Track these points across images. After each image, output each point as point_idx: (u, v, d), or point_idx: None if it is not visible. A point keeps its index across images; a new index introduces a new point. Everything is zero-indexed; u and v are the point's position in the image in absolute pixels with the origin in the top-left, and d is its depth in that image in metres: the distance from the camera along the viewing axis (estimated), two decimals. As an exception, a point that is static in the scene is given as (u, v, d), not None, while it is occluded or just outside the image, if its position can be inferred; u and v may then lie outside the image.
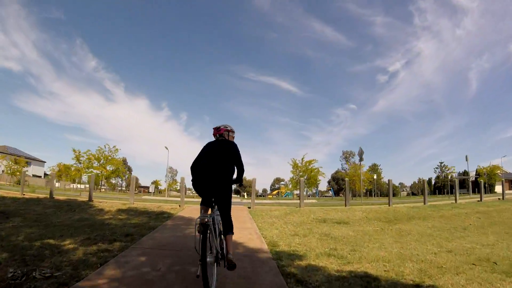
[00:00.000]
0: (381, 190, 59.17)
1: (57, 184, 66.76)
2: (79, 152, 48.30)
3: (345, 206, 14.59)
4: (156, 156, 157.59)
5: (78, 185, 71.83)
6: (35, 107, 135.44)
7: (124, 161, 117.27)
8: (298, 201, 16.12)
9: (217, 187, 3.94)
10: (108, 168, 50.22)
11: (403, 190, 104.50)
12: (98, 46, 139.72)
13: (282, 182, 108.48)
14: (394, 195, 59.72)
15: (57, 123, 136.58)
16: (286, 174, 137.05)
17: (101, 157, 48.98)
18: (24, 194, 15.67)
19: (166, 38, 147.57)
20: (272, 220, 10.79)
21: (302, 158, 39.18)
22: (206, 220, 3.43)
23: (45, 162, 70.24)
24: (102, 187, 54.06)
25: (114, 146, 49.14)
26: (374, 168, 42.49)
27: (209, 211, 4.16)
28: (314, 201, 30.30)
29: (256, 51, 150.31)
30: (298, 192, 52.11)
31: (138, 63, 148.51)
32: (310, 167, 38.77)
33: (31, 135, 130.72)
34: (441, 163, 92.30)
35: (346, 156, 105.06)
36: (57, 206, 11.47)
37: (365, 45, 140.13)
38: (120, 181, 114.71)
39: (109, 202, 13.64)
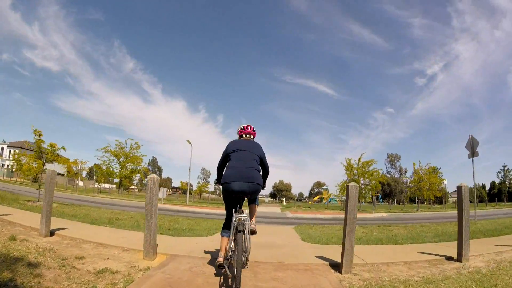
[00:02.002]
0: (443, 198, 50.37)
1: (80, 183, 63.08)
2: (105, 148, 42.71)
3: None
4: (194, 157, 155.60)
5: (106, 185, 68.30)
6: (74, 107, 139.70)
7: (154, 161, 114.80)
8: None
9: (249, 189, 3.83)
10: (128, 166, 44.29)
11: (450, 197, 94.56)
12: (136, 48, 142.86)
13: (324, 187, 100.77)
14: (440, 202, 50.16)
15: (96, 123, 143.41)
16: (325, 178, 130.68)
17: (121, 154, 43.15)
18: None
19: (204, 40, 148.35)
20: None
21: (359, 159, 31.64)
22: (242, 219, 3.53)
23: (69, 159, 65.17)
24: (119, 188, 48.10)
25: (136, 142, 43.22)
26: (430, 172, 34.15)
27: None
28: (384, 214, 22.86)
29: (294, 53, 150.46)
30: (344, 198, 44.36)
31: (175, 65, 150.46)
32: (370, 169, 31.15)
33: (70, 134, 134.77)
34: (505, 166, 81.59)
35: (391, 159, 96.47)
36: None
37: (403, 47, 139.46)
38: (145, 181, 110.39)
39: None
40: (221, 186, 4.08)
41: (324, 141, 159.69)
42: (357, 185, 4.55)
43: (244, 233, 3.49)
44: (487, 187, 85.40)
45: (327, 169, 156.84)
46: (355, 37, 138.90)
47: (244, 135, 4.41)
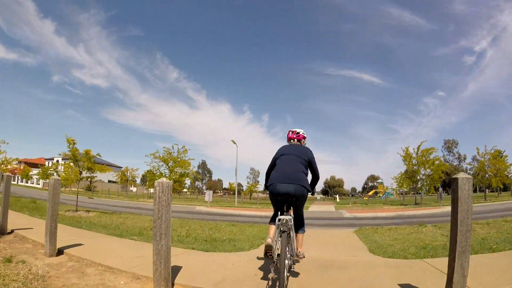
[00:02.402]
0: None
1: (134, 189, 64.74)
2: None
3: None
4: (241, 158, 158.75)
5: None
6: (125, 119, 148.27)
7: (204, 164, 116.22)
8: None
9: (295, 191, 3.69)
10: (176, 170, 44.22)
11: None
12: (178, 58, 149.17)
13: (378, 180, 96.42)
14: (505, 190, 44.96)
15: (146, 132, 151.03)
16: (378, 171, 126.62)
17: (170, 159, 43.11)
18: None
19: (242, 42, 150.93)
20: None
21: (418, 147, 28.93)
22: (287, 220, 3.40)
23: (121, 167, 67.56)
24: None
25: (183, 147, 42.78)
26: (496, 157, 30.54)
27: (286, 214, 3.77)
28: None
29: (334, 45, 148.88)
30: (403, 191, 41.28)
31: (216, 69, 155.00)
32: (431, 158, 28.34)
33: (123, 144, 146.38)
34: None
35: (449, 145, 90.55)
36: None
37: (446, 26, 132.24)
38: (200, 184, 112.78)
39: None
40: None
41: (374, 133, 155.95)
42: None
43: (289, 234, 3.41)
44: None
45: (379, 161, 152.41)
46: (396, 21, 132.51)
47: (292, 140, 4.39)
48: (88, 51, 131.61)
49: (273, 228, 3.73)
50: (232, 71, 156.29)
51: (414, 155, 29.35)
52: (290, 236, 3.45)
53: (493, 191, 39.06)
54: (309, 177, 4.15)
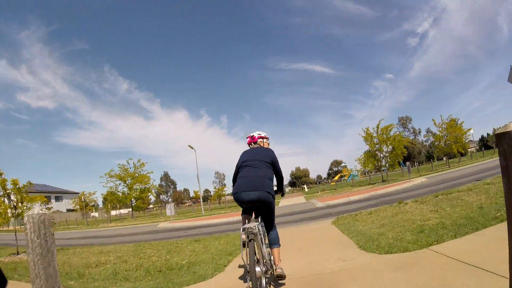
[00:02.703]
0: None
1: (96, 214, 61.09)
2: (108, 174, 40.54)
3: None
4: (205, 163, 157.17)
5: (124, 211, 66.90)
6: (78, 139, 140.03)
7: (166, 176, 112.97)
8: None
9: (259, 198, 3.62)
10: (136, 188, 41.95)
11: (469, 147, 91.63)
12: (126, 68, 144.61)
13: (342, 164, 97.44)
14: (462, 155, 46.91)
15: (103, 150, 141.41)
16: (340, 156, 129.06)
17: (127, 176, 40.85)
18: None
19: (191, 45, 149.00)
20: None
21: (378, 125, 28.79)
22: (252, 228, 3.24)
23: (78, 193, 63.15)
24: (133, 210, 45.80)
25: (138, 160, 40.98)
26: (452, 125, 31.27)
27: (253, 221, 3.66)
28: (423, 179, 19.94)
29: (283, 40, 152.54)
30: (366, 171, 41.34)
31: (168, 76, 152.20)
32: (391, 134, 28.29)
33: (81, 167, 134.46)
34: None
35: (403, 122, 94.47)
36: None
37: (389, 11, 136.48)
38: (165, 198, 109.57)
39: None
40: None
41: (331, 120, 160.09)
42: None
43: (256, 241, 3.23)
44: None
45: (340, 146, 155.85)
46: (341, 12, 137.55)
47: (253, 143, 4.35)
48: (31, 72, 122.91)
49: (245, 217, 3.82)
50: (184, 76, 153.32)
51: (374, 134, 29.16)
52: (257, 242, 3.29)
53: (451, 158, 39.79)
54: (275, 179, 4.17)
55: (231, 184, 4.21)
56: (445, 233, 4.65)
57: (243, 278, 4.32)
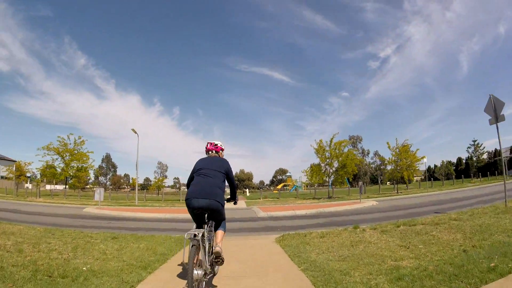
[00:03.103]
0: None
1: (29, 186, 56.88)
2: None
3: None
4: (150, 152, 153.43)
5: (56, 187, 63.16)
6: (26, 108, 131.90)
7: (108, 158, 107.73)
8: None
9: (208, 206, 3.74)
10: (73, 165, 38.78)
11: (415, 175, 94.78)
12: (87, 43, 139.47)
13: (287, 173, 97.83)
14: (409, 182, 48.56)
15: (50, 123, 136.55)
16: (285, 165, 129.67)
17: (65, 151, 37.58)
18: None
19: (156, 32, 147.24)
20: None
21: (331, 139, 28.19)
22: (195, 234, 3.28)
23: (15, 161, 56.98)
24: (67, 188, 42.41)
25: (79, 137, 37.89)
26: (407, 150, 31.31)
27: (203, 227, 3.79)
28: (374, 202, 19.21)
29: (247, 42, 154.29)
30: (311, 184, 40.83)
31: (128, 58, 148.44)
32: (344, 151, 27.76)
33: (24, 136, 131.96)
34: (475, 141, 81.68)
35: (354, 141, 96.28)
36: None
37: (355, 32, 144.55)
38: (104, 180, 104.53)
39: None
40: None
41: (282, 128, 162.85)
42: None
43: (197, 247, 3.31)
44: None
45: (287, 155, 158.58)
46: (308, 23, 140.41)
47: (210, 152, 4.45)
48: None
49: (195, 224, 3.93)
50: (143, 61, 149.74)
51: (327, 148, 28.54)
52: (198, 248, 3.33)
53: (398, 183, 40.35)
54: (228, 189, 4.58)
55: (185, 186, 4.40)
56: (434, 285, 3.47)
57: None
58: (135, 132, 28.47)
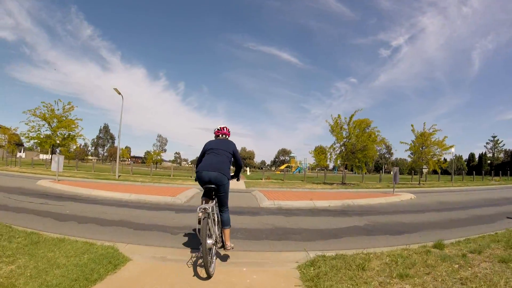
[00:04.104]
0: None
1: (23, 155, 53.93)
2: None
3: None
4: (154, 126, 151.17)
5: (45, 156, 59.56)
6: (31, 77, 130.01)
7: (106, 128, 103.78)
8: None
9: (216, 180, 4.19)
10: (60, 133, 34.64)
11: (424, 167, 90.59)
12: (93, 13, 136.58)
13: (291, 154, 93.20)
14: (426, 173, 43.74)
15: (53, 93, 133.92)
16: (288, 147, 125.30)
17: (52, 117, 33.45)
18: None
19: (164, 6, 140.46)
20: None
21: (351, 116, 23.78)
22: (207, 208, 3.79)
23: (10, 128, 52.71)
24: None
25: (69, 103, 33.76)
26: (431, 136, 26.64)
27: (209, 202, 4.28)
28: (412, 196, 15.00)
29: (257, 20, 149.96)
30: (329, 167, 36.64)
31: (134, 31, 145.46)
32: (368, 130, 23.26)
33: (27, 105, 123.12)
34: (494, 137, 76.17)
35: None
36: None
37: (369, 18, 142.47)
38: (102, 151, 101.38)
39: None
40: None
41: (286, 110, 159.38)
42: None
43: (208, 219, 3.78)
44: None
45: (289, 137, 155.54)
46: (321, 5, 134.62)
47: (220, 135, 4.88)
48: None
49: (204, 199, 4.41)
50: (150, 34, 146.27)
51: (345, 126, 24.18)
52: (209, 220, 3.81)
53: (415, 174, 36.03)
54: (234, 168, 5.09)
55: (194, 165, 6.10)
56: None
57: None
58: (119, 93, 24.11)
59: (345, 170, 28.06)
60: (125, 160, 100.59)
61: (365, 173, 31.50)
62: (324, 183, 25.77)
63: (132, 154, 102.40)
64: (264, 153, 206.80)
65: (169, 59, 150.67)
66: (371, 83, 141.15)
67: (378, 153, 23.33)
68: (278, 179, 30.71)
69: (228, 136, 4.93)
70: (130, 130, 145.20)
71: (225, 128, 4.89)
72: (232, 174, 4.83)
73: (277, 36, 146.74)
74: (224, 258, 4.46)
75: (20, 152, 59.43)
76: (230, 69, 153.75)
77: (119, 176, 23.57)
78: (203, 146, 4.66)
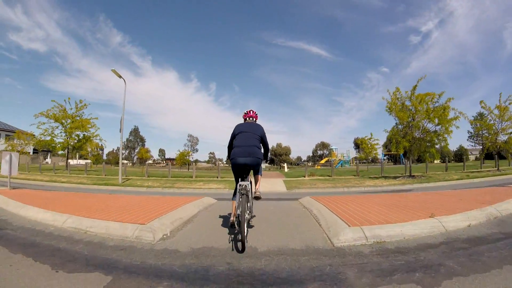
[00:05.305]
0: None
1: (49, 161, 52.61)
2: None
3: None
4: (188, 128, 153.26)
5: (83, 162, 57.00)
6: (64, 86, 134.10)
7: (136, 131, 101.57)
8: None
9: (252, 164, 4.60)
10: (76, 134, 31.29)
11: (470, 154, 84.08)
12: (122, 21, 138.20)
13: (330, 147, 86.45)
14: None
15: (88, 101, 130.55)
16: (324, 140, 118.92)
17: (64, 117, 30.08)
18: None
19: (191, 7, 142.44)
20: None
21: (414, 88, 18.45)
22: (246, 185, 4.28)
23: (34, 135, 49.88)
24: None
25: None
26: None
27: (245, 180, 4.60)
28: None
29: (285, 16, 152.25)
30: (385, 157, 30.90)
31: (164, 35, 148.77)
32: (436, 105, 17.25)
33: None
34: None
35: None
36: None
37: (397, 5, 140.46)
38: (132, 154, 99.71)
39: None
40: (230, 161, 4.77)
41: (319, 104, 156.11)
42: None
43: (247, 196, 4.28)
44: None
45: (324, 132, 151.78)
46: None
47: (248, 118, 5.19)
48: (26, 12, 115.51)
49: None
50: (180, 37, 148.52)
51: (407, 103, 18.40)
52: (248, 197, 4.29)
53: (481, 160, 29.55)
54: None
55: (226, 151, 5.10)
56: None
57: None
58: (119, 76, 19.32)
59: (411, 159, 21.89)
60: (159, 163, 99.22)
61: (430, 162, 25.35)
62: (384, 177, 20.06)
63: (167, 157, 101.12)
64: (299, 149, 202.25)
65: (199, 61, 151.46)
66: (403, 71, 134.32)
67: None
68: (325, 175, 25.08)
69: (256, 119, 5.20)
70: (164, 132, 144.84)
71: (251, 111, 5.20)
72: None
73: (305, 30, 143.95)
74: None
75: (47, 158, 57.29)
76: (260, 66, 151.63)
77: (123, 181, 18.84)
78: (233, 129, 4.92)
